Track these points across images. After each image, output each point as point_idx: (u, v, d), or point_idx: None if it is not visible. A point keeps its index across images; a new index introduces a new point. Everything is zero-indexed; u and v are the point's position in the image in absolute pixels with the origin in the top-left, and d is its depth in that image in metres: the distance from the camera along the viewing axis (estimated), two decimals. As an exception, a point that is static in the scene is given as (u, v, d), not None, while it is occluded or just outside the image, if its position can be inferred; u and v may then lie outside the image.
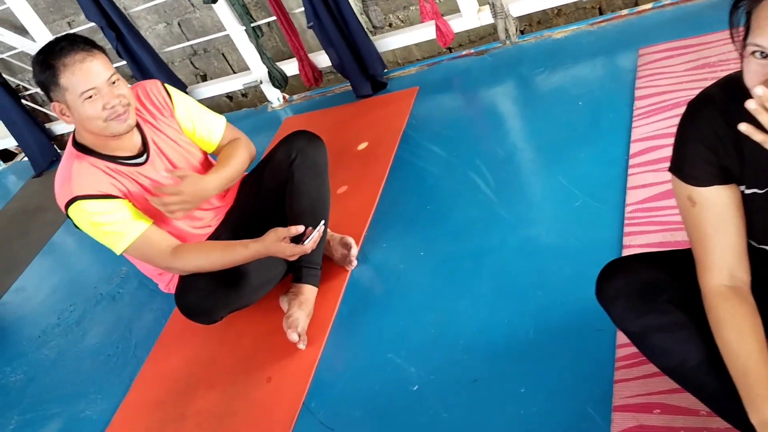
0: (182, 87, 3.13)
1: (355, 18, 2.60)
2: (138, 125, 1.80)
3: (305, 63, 2.89)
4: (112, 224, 1.71)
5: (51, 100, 1.68)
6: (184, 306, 1.84)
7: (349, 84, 3.00)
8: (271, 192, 1.96)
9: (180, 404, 1.91)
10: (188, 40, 3.72)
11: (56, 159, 3.71)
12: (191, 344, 2.10)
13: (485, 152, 2.23)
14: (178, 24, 3.77)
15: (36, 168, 3.67)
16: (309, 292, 1.93)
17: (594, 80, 2.29)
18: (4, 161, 4.16)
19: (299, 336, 1.84)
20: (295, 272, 1.95)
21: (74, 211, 1.70)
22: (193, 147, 1.93)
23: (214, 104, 3.78)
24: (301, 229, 1.72)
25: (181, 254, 1.77)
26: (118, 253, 1.77)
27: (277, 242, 1.72)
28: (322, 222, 1.81)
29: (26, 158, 4.61)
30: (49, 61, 1.62)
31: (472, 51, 2.76)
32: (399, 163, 2.38)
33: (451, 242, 1.96)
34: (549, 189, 1.97)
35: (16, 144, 4.48)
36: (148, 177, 1.80)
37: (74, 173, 1.70)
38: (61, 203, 1.74)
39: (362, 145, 2.54)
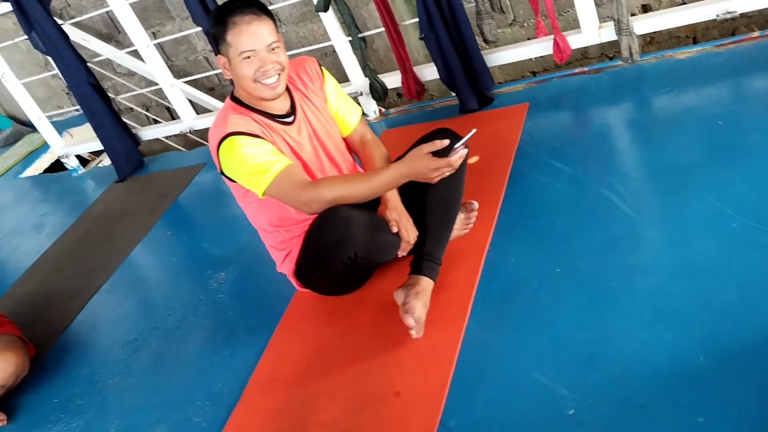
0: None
1: (471, 30, 2.55)
2: (289, 91, 1.91)
3: (409, 75, 2.84)
4: (259, 156, 1.76)
5: (218, 53, 1.81)
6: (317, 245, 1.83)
7: (449, 98, 2.95)
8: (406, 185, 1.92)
9: (300, 414, 1.82)
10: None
11: (140, 165, 3.70)
12: (303, 353, 2.01)
13: (617, 169, 2.13)
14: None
15: (120, 173, 3.66)
16: (426, 284, 1.88)
17: (733, 100, 2.19)
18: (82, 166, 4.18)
19: (416, 322, 1.79)
20: (413, 264, 1.91)
21: (226, 146, 1.77)
22: (334, 123, 2.00)
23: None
24: (446, 142, 1.69)
25: (322, 184, 1.77)
26: (262, 189, 1.79)
27: (420, 157, 1.68)
28: (473, 131, 1.72)
29: (102, 164, 4.66)
30: (222, 17, 1.74)
31: (585, 69, 2.69)
32: (517, 177, 2.29)
33: (592, 260, 1.85)
34: (697, 208, 1.85)
35: (90, 151, 4.55)
36: (292, 137, 1.88)
37: (230, 119, 1.81)
38: (215, 142, 1.82)
39: (473, 159, 2.46)
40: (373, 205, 1.92)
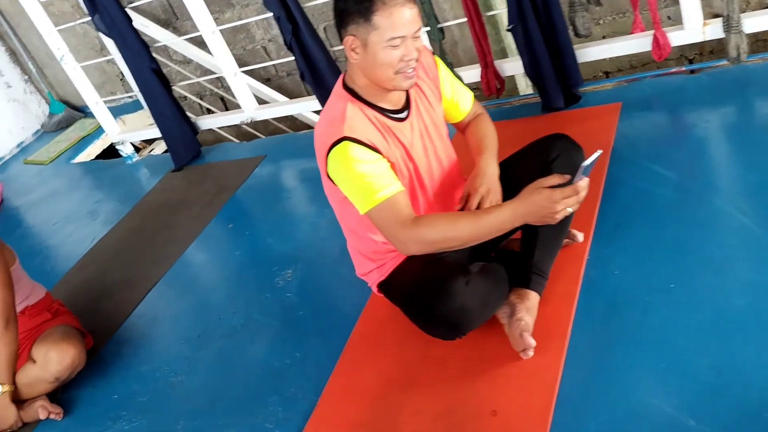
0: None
1: (564, 22, 2.39)
2: None
3: (489, 70, 2.69)
4: (370, 176, 1.58)
5: (344, 32, 1.58)
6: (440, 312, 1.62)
7: (530, 96, 2.79)
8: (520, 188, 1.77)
9: (383, 428, 1.69)
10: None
11: (197, 155, 3.61)
12: (383, 362, 1.88)
13: (730, 177, 1.96)
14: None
15: (177, 162, 3.57)
16: (534, 299, 1.73)
17: None
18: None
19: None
20: (520, 276, 1.75)
21: (339, 151, 1.59)
22: (442, 120, 1.83)
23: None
24: (566, 177, 1.49)
25: (425, 222, 1.59)
26: (364, 210, 1.62)
27: (539, 191, 1.48)
28: (598, 152, 1.48)
29: (153, 152, 4.60)
30: None
31: (683, 68, 2.51)
32: (613, 182, 2.12)
33: (711, 276, 1.68)
34: (830, 224, 1.68)
35: (143, 139, 4.49)
36: (405, 136, 1.70)
37: (348, 115, 1.61)
38: (326, 140, 1.62)
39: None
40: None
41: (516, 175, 1.73)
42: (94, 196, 3.85)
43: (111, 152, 4.69)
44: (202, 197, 3.23)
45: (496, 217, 1.53)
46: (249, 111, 3.40)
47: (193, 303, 2.54)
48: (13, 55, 5.01)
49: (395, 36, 1.52)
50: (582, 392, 1.56)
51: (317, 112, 4.15)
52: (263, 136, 4.41)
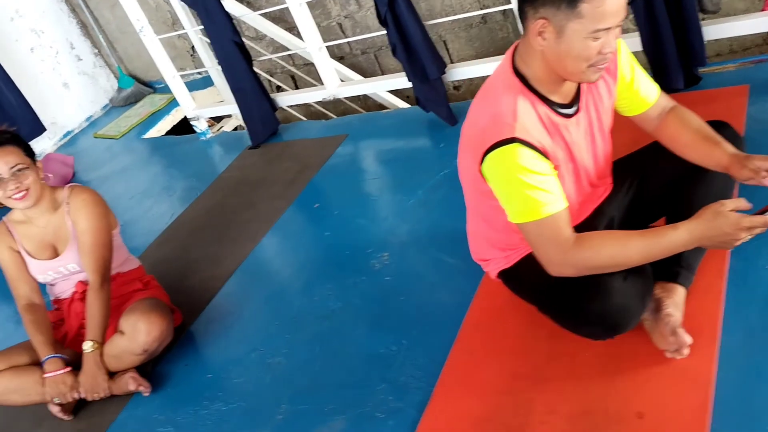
0: (441, 65, 2.84)
1: (692, -4, 2.21)
2: None
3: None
4: (537, 189, 1.40)
5: (533, 12, 1.35)
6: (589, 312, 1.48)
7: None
8: (668, 181, 1.61)
9: (513, 426, 1.57)
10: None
11: (275, 132, 3.52)
12: (503, 354, 1.76)
13: None
14: None
15: (254, 139, 3.49)
16: (681, 294, 1.59)
17: None
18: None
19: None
20: (667, 269, 1.60)
21: (505, 153, 1.40)
22: (610, 113, 1.61)
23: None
24: (750, 205, 1.33)
25: (589, 244, 1.42)
26: (519, 220, 1.45)
27: (723, 214, 1.32)
28: None
29: (224, 129, 4.54)
30: None
31: (819, 50, 2.31)
32: (750, 170, 1.95)
33: None
34: None
35: (212, 116, 4.42)
36: (570, 134, 1.51)
37: (521, 112, 1.42)
38: (489, 136, 1.42)
39: None
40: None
41: (665, 161, 1.59)
42: (168, 171, 3.81)
43: (181, 128, 4.66)
44: (283, 175, 3.14)
45: (671, 240, 1.38)
46: (331, 88, 3.29)
47: (283, 283, 2.45)
48: (84, 28, 4.99)
49: (601, 28, 1.31)
50: (743, 396, 1.42)
51: (393, 92, 4.03)
52: (334, 116, 4.31)
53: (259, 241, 2.73)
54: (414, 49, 2.77)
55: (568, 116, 1.50)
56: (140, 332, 2.11)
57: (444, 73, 2.85)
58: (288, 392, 1.96)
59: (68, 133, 4.81)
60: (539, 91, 1.46)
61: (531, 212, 1.42)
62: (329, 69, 3.27)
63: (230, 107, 3.66)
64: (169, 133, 4.57)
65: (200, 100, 4.51)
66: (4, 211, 2.37)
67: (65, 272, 2.27)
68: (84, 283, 2.28)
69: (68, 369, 2.14)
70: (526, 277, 1.67)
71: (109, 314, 2.19)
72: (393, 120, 3.26)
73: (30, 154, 2.19)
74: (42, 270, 2.26)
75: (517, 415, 1.59)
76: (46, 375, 2.12)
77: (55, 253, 2.27)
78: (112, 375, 2.18)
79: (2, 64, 4.10)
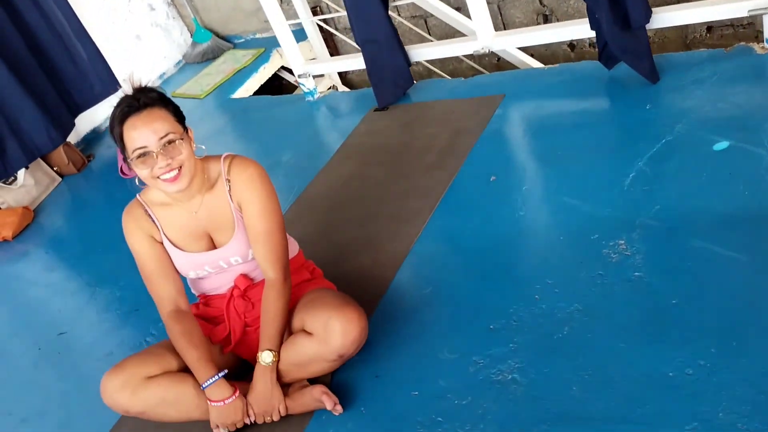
0: (648, 10, 2.33)
1: None
2: None
3: None
4: None
5: None
6: None
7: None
8: None
9: None
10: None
11: (406, 92, 3.03)
12: None
13: None
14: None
15: (382, 99, 3.00)
16: None
17: None
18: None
19: None
20: None
21: None
22: None
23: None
24: None
25: None
26: None
27: None
28: None
29: (330, 90, 4.03)
30: None
31: None
32: None
33: None
34: None
35: (317, 74, 3.92)
36: None
37: None
38: None
39: None
40: None
41: None
42: (273, 136, 3.30)
43: (268, 88, 4.18)
44: (432, 142, 2.66)
45: None
46: (485, 39, 2.78)
47: (481, 272, 1.98)
48: (156, -27, 4.48)
49: None
50: None
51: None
52: (448, 77, 3.80)
53: (427, 219, 2.26)
54: None
55: None
56: (335, 333, 1.66)
57: (648, 21, 2.35)
58: (543, 426, 1.51)
59: (141, 91, 4.33)
60: None
61: None
62: (484, 13, 2.74)
63: (343, 62, 3.17)
64: (256, 93, 4.09)
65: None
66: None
67: (224, 266, 1.82)
68: (246, 277, 1.83)
69: (237, 394, 1.70)
70: None
71: (287, 316, 1.75)
72: (559, 78, 2.75)
73: (181, 119, 1.71)
74: (196, 264, 1.80)
75: None
76: (213, 403, 1.68)
77: (211, 243, 1.81)
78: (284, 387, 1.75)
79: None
